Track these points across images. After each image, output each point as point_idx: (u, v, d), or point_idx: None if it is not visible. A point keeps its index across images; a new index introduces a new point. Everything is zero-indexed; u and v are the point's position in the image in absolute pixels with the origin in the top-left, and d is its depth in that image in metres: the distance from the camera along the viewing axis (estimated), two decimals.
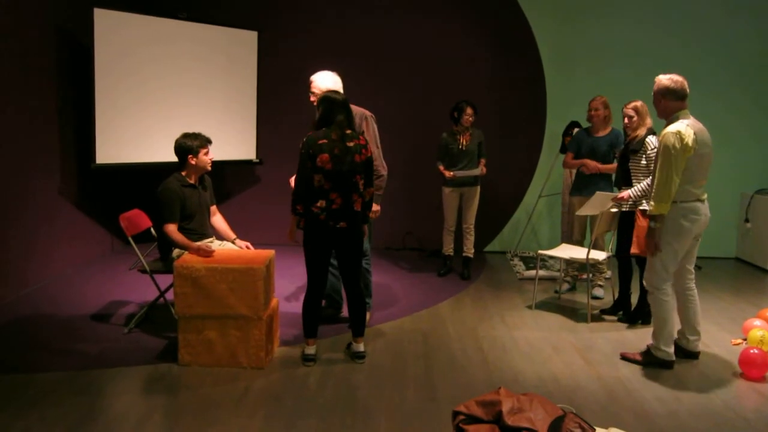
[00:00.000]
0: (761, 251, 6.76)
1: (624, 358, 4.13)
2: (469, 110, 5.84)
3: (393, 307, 5.14)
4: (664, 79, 3.89)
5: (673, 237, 3.87)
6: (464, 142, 5.88)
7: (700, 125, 3.88)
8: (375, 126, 4.47)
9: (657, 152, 3.85)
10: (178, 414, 3.28)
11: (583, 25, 6.98)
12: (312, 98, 4.28)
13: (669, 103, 3.87)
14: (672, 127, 3.79)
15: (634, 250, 4.61)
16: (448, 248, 6.21)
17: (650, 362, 4.02)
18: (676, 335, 4.16)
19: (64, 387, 3.51)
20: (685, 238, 3.89)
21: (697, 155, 3.80)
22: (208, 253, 3.95)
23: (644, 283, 4.10)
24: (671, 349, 4.00)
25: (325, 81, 4.30)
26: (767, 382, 3.82)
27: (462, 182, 5.94)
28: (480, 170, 5.91)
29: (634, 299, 4.92)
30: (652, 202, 3.81)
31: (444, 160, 5.98)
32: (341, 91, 4.33)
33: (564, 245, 5.45)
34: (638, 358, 4.08)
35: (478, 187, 6.02)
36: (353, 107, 4.41)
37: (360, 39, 6.96)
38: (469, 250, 6.14)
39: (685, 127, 3.77)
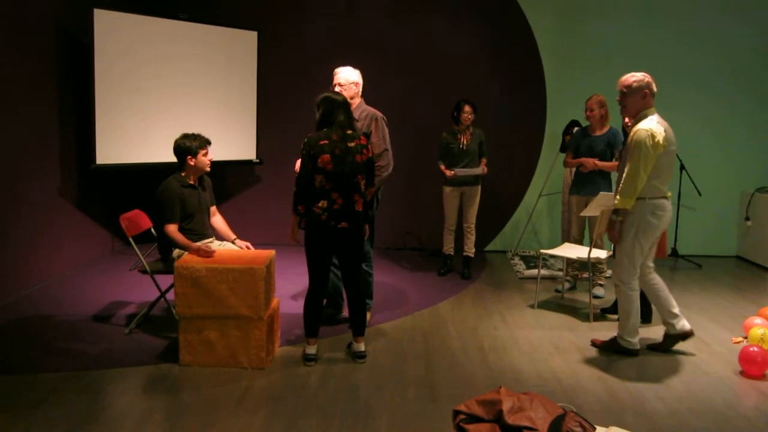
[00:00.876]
0: (762, 249, 6.76)
1: (594, 344, 4.31)
2: (467, 108, 5.84)
3: (393, 306, 5.14)
4: (644, 77, 3.94)
5: (642, 233, 3.96)
6: (465, 142, 5.88)
7: (666, 123, 3.94)
8: (386, 128, 4.46)
9: (628, 148, 3.89)
10: (179, 414, 3.28)
11: (583, 24, 6.98)
12: (338, 90, 4.31)
13: (648, 101, 3.93)
14: (644, 125, 3.85)
15: None
16: (449, 247, 6.21)
17: (616, 350, 4.18)
18: (663, 326, 4.30)
19: (65, 387, 3.51)
20: (652, 234, 4.00)
21: (665, 152, 3.87)
22: (208, 253, 3.95)
23: (612, 278, 4.21)
24: (635, 340, 4.16)
25: (351, 75, 4.41)
26: None
27: (463, 181, 5.93)
28: (481, 169, 5.90)
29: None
30: (618, 197, 3.88)
31: (445, 159, 5.98)
32: (360, 84, 4.41)
33: (566, 244, 5.44)
34: (606, 343, 4.26)
35: (479, 187, 6.01)
36: (366, 107, 4.43)
37: (360, 39, 6.95)
38: (470, 250, 6.14)
39: (655, 124, 3.85)
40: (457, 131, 5.94)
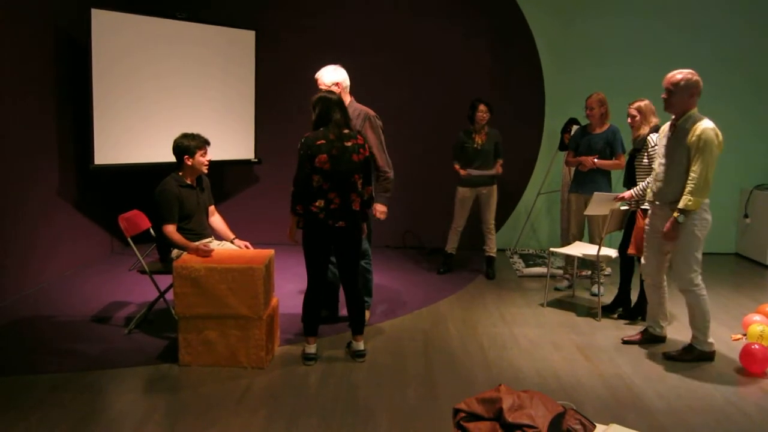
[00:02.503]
0: (761, 246, 6.76)
1: (669, 357, 4.09)
2: (482, 107, 5.81)
3: (393, 305, 5.14)
4: (692, 75, 3.83)
5: (702, 231, 3.92)
6: (479, 142, 5.86)
7: None
8: (379, 126, 4.44)
9: (694, 148, 3.78)
10: (179, 414, 3.28)
11: (581, 21, 6.97)
12: None
13: (695, 100, 3.85)
14: (706, 124, 3.79)
15: (631, 250, 4.63)
16: (452, 247, 6.16)
17: (697, 358, 4.04)
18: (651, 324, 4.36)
19: (65, 388, 3.51)
20: (708, 229, 3.95)
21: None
22: (207, 252, 3.94)
23: (681, 286, 4.01)
24: (712, 340, 4.07)
25: (330, 76, 4.32)
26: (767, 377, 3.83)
27: (478, 182, 5.91)
28: (494, 170, 5.84)
29: (633, 296, 4.92)
30: (690, 197, 3.78)
31: (460, 159, 5.95)
32: (348, 82, 4.34)
33: (578, 243, 5.40)
34: (682, 354, 4.10)
35: (495, 187, 5.99)
36: (358, 105, 4.41)
37: (358, 37, 6.95)
38: (492, 250, 6.12)
39: (713, 123, 3.81)
40: (472, 131, 5.91)
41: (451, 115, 6.96)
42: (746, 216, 6.98)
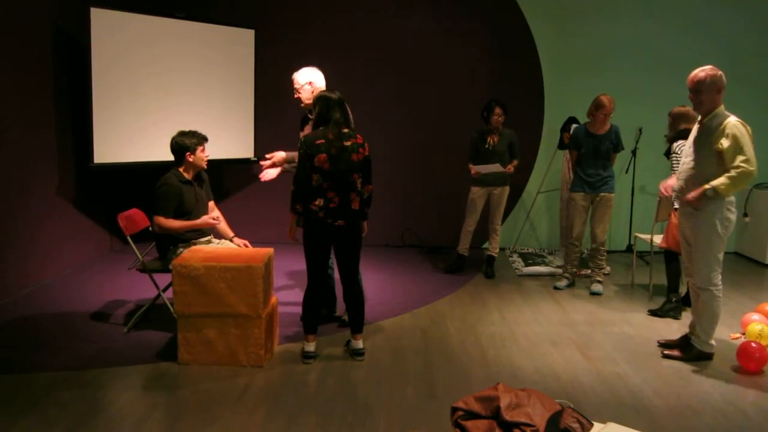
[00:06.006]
0: (760, 245, 6.77)
1: (667, 356, 4.09)
2: (497, 110, 5.79)
3: (392, 303, 5.14)
4: (715, 71, 3.76)
5: (724, 229, 3.83)
6: (492, 142, 5.85)
7: None
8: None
9: (732, 142, 3.68)
10: (178, 412, 3.29)
11: (581, 22, 6.97)
12: (296, 95, 4.31)
13: (721, 96, 3.79)
14: (734, 119, 3.74)
15: (662, 244, 4.78)
16: (464, 248, 6.13)
17: (694, 357, 4.02)
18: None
19: (65, 386, 3.52)
20: (731, 229, 3.87)
21: None
22: (215, 219, 4.34)
23: (699, 284, 3.93)
24: (713, 341, 4.04)
25: (305, 75, 4.35)
26: (765, 376, 3.83)
27: (491, 182, 5.90)
28: (496, 166, 5.76)
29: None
30: (726, 181, 3.66)
31: (474, 159, 5.93)
32: (323, 83, 4.37)
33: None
34: (679, 354, 4.07)
35: (507, 187, 5.98)
36: None
37: (358, 38, 6.94)
38: (494, 250, 6.12)
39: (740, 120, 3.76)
40: (485, 131, 5.90)
41: (451, 114, 6.97)
42: (745, 215, 6.98)
